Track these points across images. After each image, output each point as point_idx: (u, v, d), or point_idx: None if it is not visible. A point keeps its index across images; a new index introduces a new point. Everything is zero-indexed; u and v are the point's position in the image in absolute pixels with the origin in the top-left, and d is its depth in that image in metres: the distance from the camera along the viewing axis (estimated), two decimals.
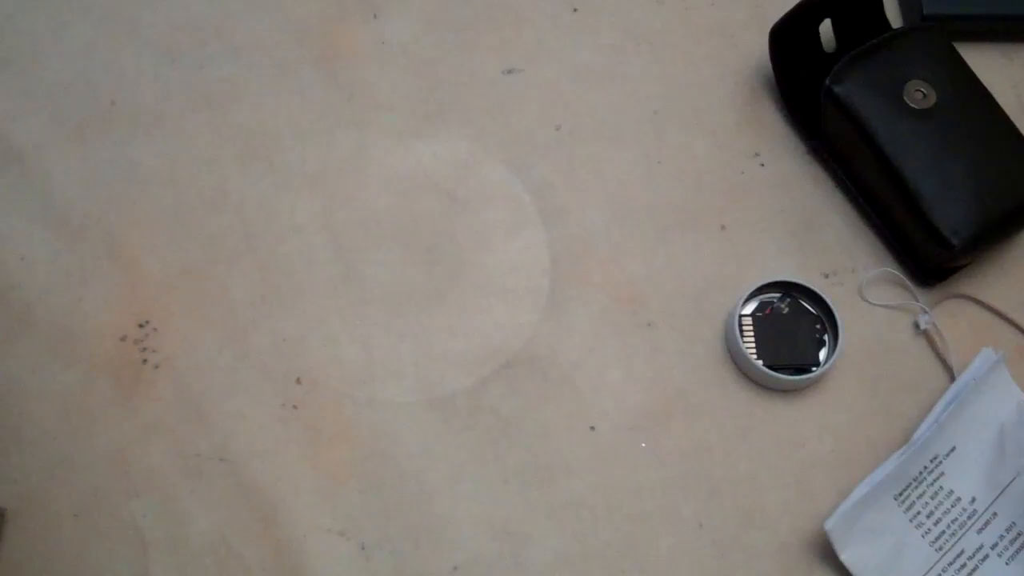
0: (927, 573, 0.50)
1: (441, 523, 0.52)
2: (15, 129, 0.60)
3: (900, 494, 0.51)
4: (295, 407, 0.54)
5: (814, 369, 0.54)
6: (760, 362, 0.54)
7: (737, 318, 0.55)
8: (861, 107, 0.56)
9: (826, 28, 0.61)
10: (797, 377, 0.54)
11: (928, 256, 0.57)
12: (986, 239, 0.55)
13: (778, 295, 0.56)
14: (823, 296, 0.55)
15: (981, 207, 0.54)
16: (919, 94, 0.56)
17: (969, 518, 0.52)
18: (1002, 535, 0.51)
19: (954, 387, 0.54)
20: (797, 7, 0.59)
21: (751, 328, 0.55)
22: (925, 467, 0.52)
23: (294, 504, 0.52)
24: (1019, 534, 0.51)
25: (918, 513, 0.51)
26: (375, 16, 0.64)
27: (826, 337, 0.55)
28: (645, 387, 0.55)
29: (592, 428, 0.54)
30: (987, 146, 0.56)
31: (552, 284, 0.57)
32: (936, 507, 0.52)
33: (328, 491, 0.53)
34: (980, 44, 0.63)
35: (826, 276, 0.58)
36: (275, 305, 0.57)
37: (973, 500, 0.52)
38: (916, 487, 0.52)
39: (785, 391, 0.55)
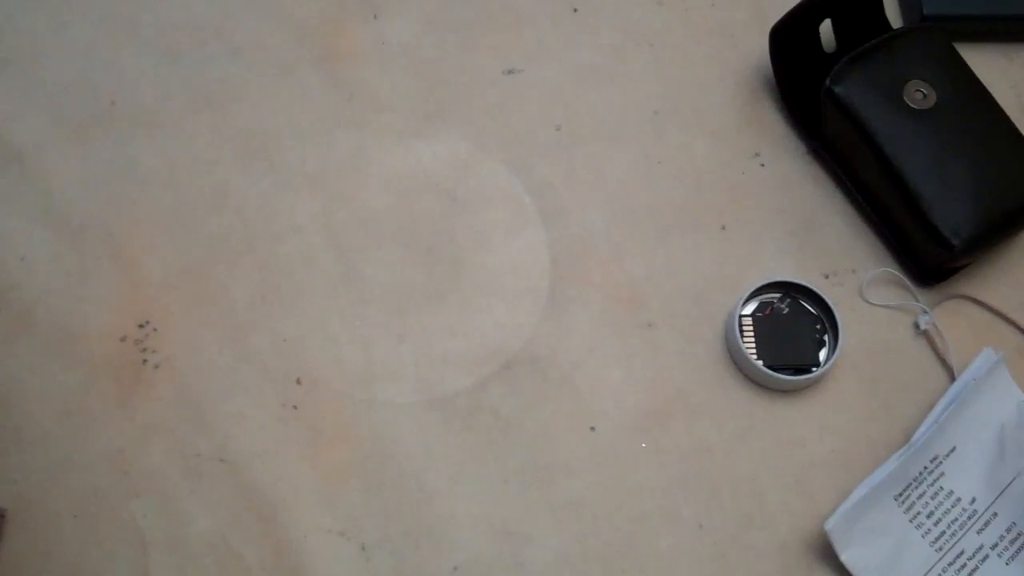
0: (927, 573, 0.50)
1: (441, 523, 0.52)
2: (15, 129, 0.60)
3: (900, 494, 0.51)
4: (295, 407, 0.54)
5: (814, 369, 0.54)
6: (760, 362, 0.54)
7: (737, 318, 0.55)
8: (861, 107, 0.56)
9: (826, 28, 0.61)
10: (797, 377, 0.54)
11: (928, 256, 0.57)
12: (986, 239, 0.55)
13: (778, 295, 0.56)
14: (823, 296, 0.55)
15: (981, 207, 0.54)
16: (919, 94, 0.56)
17: (969, 518, 0.52)
18: (1002, 535, 0.51)
19: (954, 387, 0.54)
20: (797, 7, 0.59)
21: (751, 328, 0.55)
22: (925, 467, 0.52)
23: (294, 504, 0.52)
24: (1019, 534, 0.51)
25: (918, 513, 0.51)
26: (375, 16, 0.64)
27: (826, 337, 0.55)
28: (645, 387, 0.55)
29: (592, 428, 0.54)
30: (987, 146, 0.56)
31: (552, 284, 0.57)
32: (936, 507, 0.52)
33: (328, 491, 0.53)
34: (980, 44, 0.63)
35: (826, 276, 0.58)
36: (275, 305, 0.57)
37: (973, 500, 0.52)
38: (916, 487, 0.52)
39: (785, 391, 0.55)
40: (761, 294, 0.56)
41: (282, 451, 0.53)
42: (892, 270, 0.58)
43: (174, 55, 0.63)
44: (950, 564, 0.51)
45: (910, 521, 0.51)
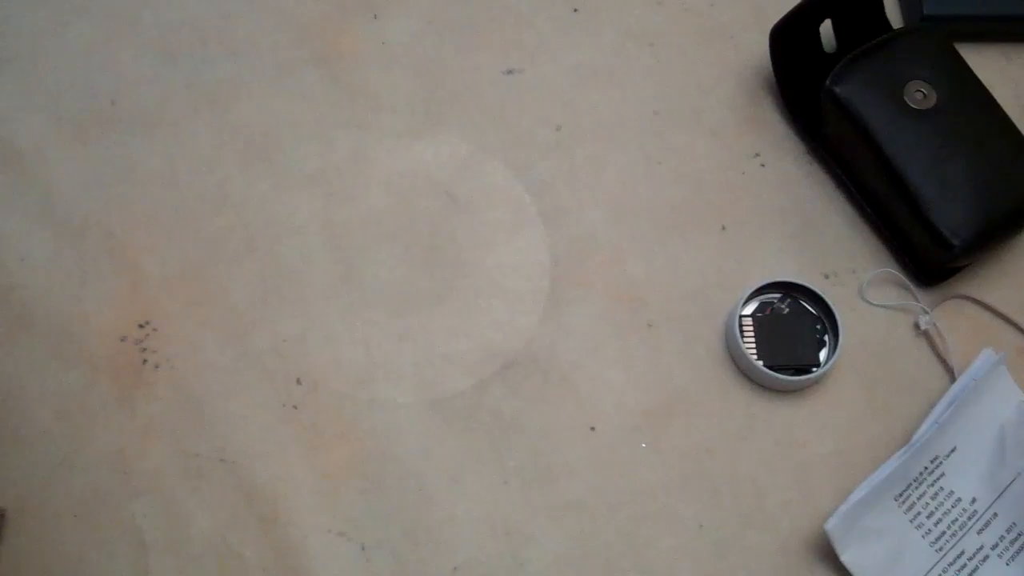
0: (927, 574, 0.50)
1: (441, 523, 0.52)
2: (15, 129, 0.60)
3: (900, 495, 0.51)
4: (295, 407, 0.54)
5: (814, 369, 0.54)
6: (760, 362, 0.54)
7: (737, 318, 0.55)
8: (861, 107, 0.56)
9: (826, 28, 0.61)
10: (797, 377, 0.54)
11: (928, 257, 0.57)
12: (986, 240, 0.55)
13: (778, 295, 0.56)
14: (823, 296, 0.55)
15: (981, 207, 0.54)
16: (919, 94, 0.56)
17: (969, 519, 0.52)
18: (1002, 536, 0.51)
19: (954, 387, 0.54)
20: (797, 7, 0.59)
21: (751, 328, 0.55)
22: (925, 468, 0.52)
23: (294, 504, 0.52)
24: (1019, 535, 0.51)
25: (918, 514, 0.51)
26: (375, 16, 0.64)
27: (826, 337, 0.55)
28: (645, 387, 0.55)
29: (592, 428, 0.54)
30: (987, 146, 0.56)
31: (552, 284, 0.57)
32: (936, 508, 0.52)
33: (328, 491, 0.53)
34: (980, 44, 0.63)
35: (826, 276, 0.58)
36: (275, 305, 0.57)
37: (973, 501, 0.52)
38: (916, 488, 0.52)
39: (785, 391, 0.55)
40: (761, 294, 0.56)
41: (282, 451, 0.53)
42: (892, 270, 0.58)
43: (174, 55, 0.63)
44: (950, 564, 0.51)
45: (910, 521, 0.51)
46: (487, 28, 0.64)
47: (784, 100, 0.62)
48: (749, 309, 0.56)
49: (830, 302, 0.55)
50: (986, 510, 0.52)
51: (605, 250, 0.58)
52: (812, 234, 0.59)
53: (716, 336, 0.56)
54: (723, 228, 0.59)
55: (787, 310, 0.56)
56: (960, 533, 0.51)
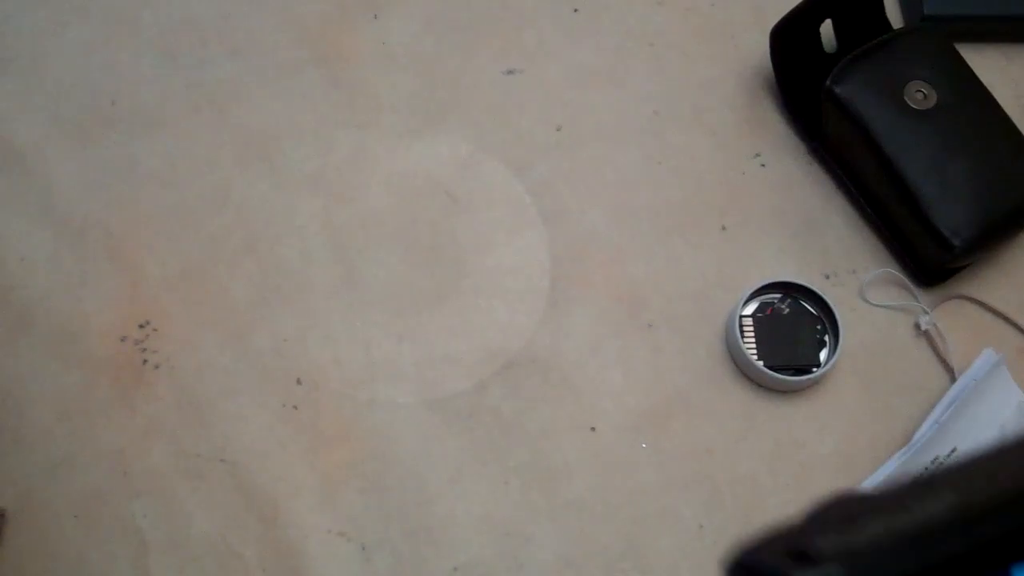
0: None
1: (441, 523, 0.52)
2: (15, 129, 0.60)
3: None
4: (295, 407, 0.54)
5: (814, 370, 0.54)
6: (760, 363, 0.54)
7: (738, 319, 0.55)
8: (862, 107, 0.56)
9: (827, 28, 0.61)
10: (797, 378, 0.54)
11: (929, 257, 0.57)
12: (986, 240, 0.55)
13: (779, 296, 0.56)
14: (824, 297, 0.55)
15: (981, 208, 0.54)
16: (919, 94, 0.56)
17: None
18: None
19: (955, 388, 0.54)
20: (798, 7, 0.59)
21: (751, 329, 0.55)
22: (926, 468, 0.52)
23: (294, 504, 0.52)
24: None
25: None
26: (375, 16, 0.64)
27: (827, 338, 0.55)
28: (645, 387, 0.55)
29: (592, 429, 0.54)
30: (987, 146, 0.56)
31: (552, 284, 0.57)
32: None
33: (328, 492, 0.53)
34: (980, 44, 0.63)
35: (827, 277, 0.58)
36: (275, 305, 0.56)
37: None
38: None
39: (785, 391, 0.55)
40: (762, 294, 0.56)
41: (282, 451, 0.53)
42: (892, 270, 0.58)
43: (174, 55, 0.63)
44: None
45: None
46: (487, 28, 0.64)
47: (784, 100, 0.62)
48: (749, 309, 0.56)
49: (830, 302, 0.55)
50: None
51: (605, 250, 0.58)
52: (812, 234, 0.59)
53: (716, 336, 0.56)
54: (723, 228, 0.59)
55: (787, 310, 0.56)
56: None
